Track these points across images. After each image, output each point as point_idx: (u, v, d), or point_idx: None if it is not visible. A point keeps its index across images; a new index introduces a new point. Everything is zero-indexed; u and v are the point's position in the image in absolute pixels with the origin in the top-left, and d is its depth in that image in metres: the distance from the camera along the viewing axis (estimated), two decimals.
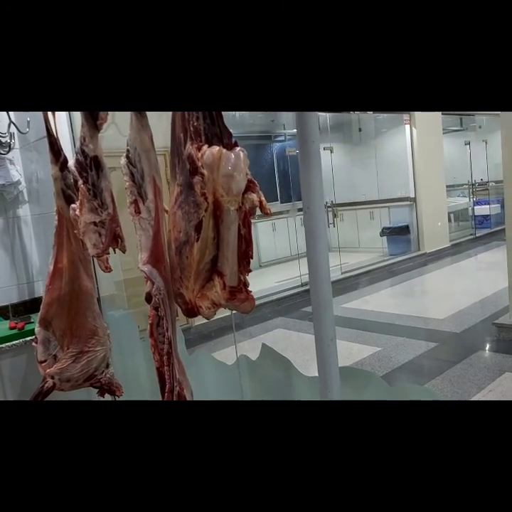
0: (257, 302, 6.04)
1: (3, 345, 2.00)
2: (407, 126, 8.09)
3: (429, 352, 4.00)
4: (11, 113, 2.20)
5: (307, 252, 0.93)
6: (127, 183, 1.30)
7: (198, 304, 1.06)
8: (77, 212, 1.55)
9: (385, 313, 5.27)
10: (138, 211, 1.30)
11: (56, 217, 1.78)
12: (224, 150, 0.98)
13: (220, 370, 1.64)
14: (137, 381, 2.15)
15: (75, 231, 1.65)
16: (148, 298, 1.33)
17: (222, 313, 1.27)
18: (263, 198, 1.05)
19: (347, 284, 6.78)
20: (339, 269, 7.21)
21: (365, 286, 6.61)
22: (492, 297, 5.22)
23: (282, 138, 9.21)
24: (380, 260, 7.88)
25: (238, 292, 1.05)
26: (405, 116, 7.95)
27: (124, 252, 1.56)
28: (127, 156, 1.30)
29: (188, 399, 1.30)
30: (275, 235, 8.59)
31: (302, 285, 6.49)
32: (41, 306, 1.78)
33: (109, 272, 1.81)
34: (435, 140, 8.39)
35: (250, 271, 1.07)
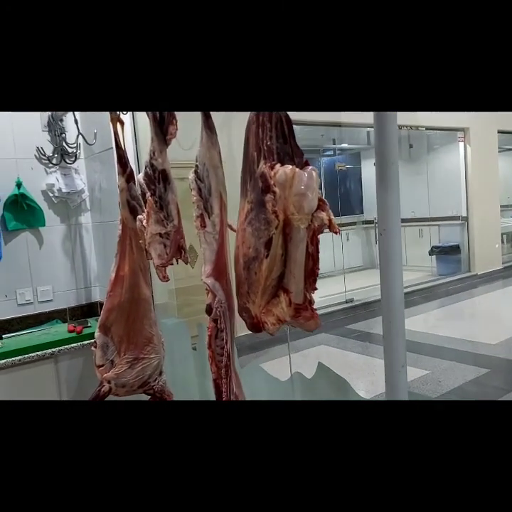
0: None
1: (62, 348, 2.07)
2: (461, 144, 7.90)
3: (480, 378, 3.84)
4: (80, 125, 2.31)
5: (381, 274, 0.92)
6: (194, 198, 1.33)
7: (264, 319, 1.07)
8: (144, 223, 1.60)
9: (434, 335, 5.12)
10: (203, 225, 1.33)
11: (120, 227, 1.84)
12: (297, 169, 0.99)
13: (273, 386, 1.64)
14: (187, 390, 2.18)
15: (140, 241, 1.70)
16: (209, 310, 1.35)
17: None
18: (332, 217, 1.05)
19: None
20: None
21: (413, 305, 6.44)
22: None
23: (331, 152, 9.18)
24: (428, 280, 7.67)
25: (304, 310, 1.05)
26: (459, 133, 7.77)
27: (186, 263, 1.60)
28: (196, 171, 1.33)
29: None
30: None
31: (347, 301, 6.41)
32: (102, 312, 1.84)
33: (167, 281, 1.86)
34: (490, 158, 8.14)
35: (316, 289, 1.07)
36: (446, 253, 8.02)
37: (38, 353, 2.01)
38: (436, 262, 8.17)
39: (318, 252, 1.06)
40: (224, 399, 1.31)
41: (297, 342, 5.36)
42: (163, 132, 1.52)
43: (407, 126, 7.63)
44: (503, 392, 3.52)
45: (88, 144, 2.30)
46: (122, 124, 1.83)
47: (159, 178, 1.54)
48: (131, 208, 1.81)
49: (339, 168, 7.64)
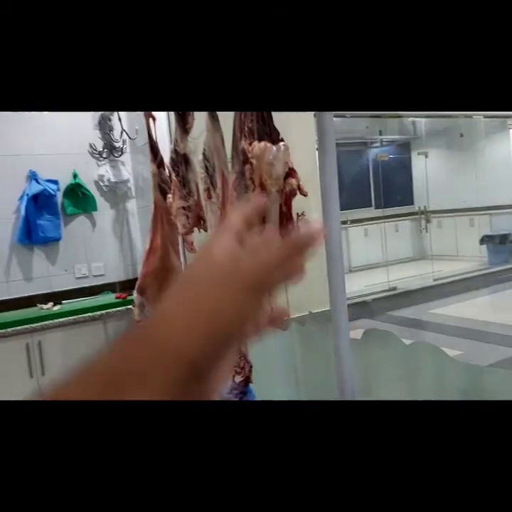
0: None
1: (110, 311, 2.45)
2: (511, 131, 7.72)
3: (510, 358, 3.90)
4: (124, 122, 2.68)
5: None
6: (202, 175, 1.63)
7: None
8: (170, 199, 1.93)
9: (472, 320, 5.15)
10: (210, 196, 1.64)
11: (153, 207, 2.19)
12: (268, 144, 1.26)
13: (276, 335, 1.91)
14: None
15: (170, 217, 2.02)
16: None
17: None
18: (301, 183, 1.31)
19: (437, 291, 6.65)
20: (431, 276, 7.08)
21: (455, 294, 6.44)
22: None
23: (378, 144, 9.22)
24: (476, 269, 7.58)
25: None
26: (509, 121, 7.60)
27: (206, 231, 1.91)
28: (203, 153, 1.64)
29: (242, 348, 1.59)
30: (367, 241, 8.63)
31: (390, 290, 6.51)
32: (139, 277, 2.19)
33: (194, 252, 2.17)
34: None
35: None
36: (498, 242, 7.87)
37: (89, 314, 2.40)
38: (487, 251, 8.03)
39: (290, 211, 1.31)
40: None
41: None
42: (183, 123, 1.83)
43: (456, 115, 7.56)
44: None
45: (130, 138, 2.67)
46: (154, 119, 2.16)
47: (182, 160, 1.86)
48: (162, 190, 2.14)
49: (381, 158, 7.69)
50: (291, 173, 1.31)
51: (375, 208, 9.10)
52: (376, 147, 9.27)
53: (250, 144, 1.31)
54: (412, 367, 1.24)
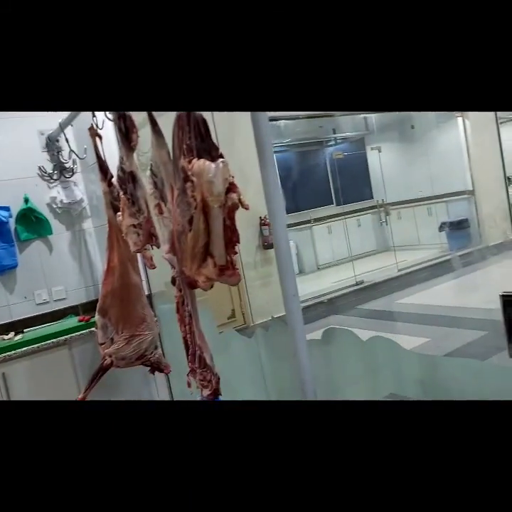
0: (313, 302, 6.19)
1: (74, 335, 2.41)
2: (460, 119, 7.98)
3: (478, 340, 4.03)
4: (72, 142, 2.65)
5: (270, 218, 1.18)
6: (151, 190, 1.63)
7: (196, 278, 1.36)
8: (120, 218, 1.91)
9: (437, 306, 5.29)
10: (161, 212, 1.63)
11: (107, 226, 2.17)
12: (207, 162, 1.27)
13: (243, 343, 1.92)
14: (183, 363, 2.48)
15: (123, 235, 2.01)
16: (173, 281, 1.66)
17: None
18: (242, 197, 1.32)
19: (403, 281, 6.80)
20: (395, 267, 7.24)
21: (420, 282, 6.60)
22: None
23: (333, 142, 9.37)
24: (438, 256, 7.79)
25: (226, 269, 1.33)
26: None
27: (158, 247, 1.90)
28: (151, 169, 1.64)
29: (208, 361, 1.59)
30: (331, 238, 8.75)
31: (357, 284, 6.62)
32: (99, 298, 2.16)
33: (153, 268, 2.16)
34: (490, 130, 8.19)
35: (236, 253, 1.34)
36: (456, 228, 8.11)
37: (53, 340, 2.35)
38: (446, 237, 8.27)
39: (234, 224, 1.33)
40: (190, 350, 1.61)
41: (308, 325, 5.61)
42: (128, 140, 1.82)
43: None
44: (498, 350, 3.70)
45: (79, 158, 2.64)
46: (100, 137, 2.15)
47: (129, 178, 1.85)
48: (114, 208, 2.13)
49: (337, 156, 7.82)
50: (231, 187, 1.32)
51: (337, 205, 9.23)
52: (332, 145, 9.42)
53: (190, 162, 1.32)
54: (370, 362, 1.27)
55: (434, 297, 5.83)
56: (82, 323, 2.47)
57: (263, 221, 5.39)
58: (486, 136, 8.06)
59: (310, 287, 7.01)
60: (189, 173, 1.26)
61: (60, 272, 2.83)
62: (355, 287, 6.55)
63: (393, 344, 1.23)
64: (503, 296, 1.12)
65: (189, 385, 1.57)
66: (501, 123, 8.59)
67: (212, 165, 1.25)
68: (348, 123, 8.61)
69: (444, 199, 8.57)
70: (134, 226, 1.84)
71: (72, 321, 2.59)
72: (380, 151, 7.65)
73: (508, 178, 9.20)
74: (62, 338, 2.39)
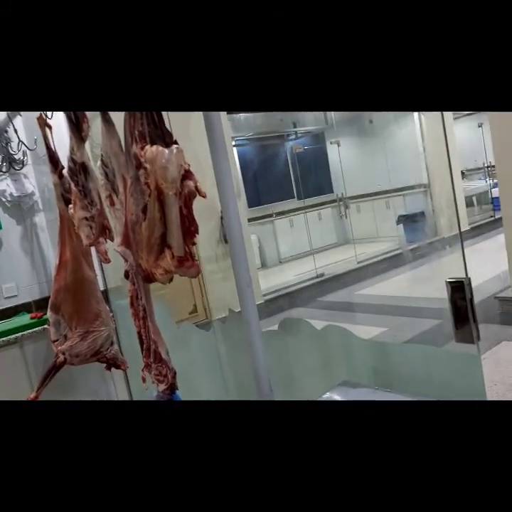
0: (275, 295, 6.21)
1: (25, 333, 2.32)
2: (416, 114, 8.18)
3: (433, 328, 4.15)
4: (21, 133, 2.54)
5: (222, 207, 1.16)
6: (102, 181, 1.58)
7: (153, 271, 1.33)
8: (72, 210, 1.85)
9: (395, 297, 5.42)
10: (113, 203, 1.59)
11: (58, 219, 2.09)
12: (160, 148, 1.24)
13: (201, 337, 1.90)
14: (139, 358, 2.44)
15: (75, 228, 1.94)
16: (126, 274, 1.61)
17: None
18: (199, 184, 1.30)
19: (362, 273, 6.93)
20: (354, 259, 7.37)
21: (378, 274, 6.75)
22: (504, 275, 5.29)
23: (294, 136, 9.42)
24: (396, 248, 7.98)
25: (185, 260, 1.30)
26: None
27: (112, 240, 1.85)
28: (101, 159, 1.58)
29: (163, 356, 1.57)
30: (293, 232, 8.81)
31: (318, 276, 6.70)
32: (51, 294, 2.09)
33: (108, 262, 2.10)
34: (445, 124, 8.43)
35: (195, 243, 1.32)
36: (413, 221, 8.33)
37: (3, 338, 2.26)
38: (403, 230, 8.47)
39: (191, 213, 1.30)
40: (145, 345, 1.57)
41: (272, 317, 5.64)
42: (78, 130, 1.76)
43: None
44: (450, 338, 3.83)
45: (29, 149, 2.53)
46: (50, 127, 2.06)
47: (80, 170, 1.79)
48: (66, 200, 2.05)
49: (297, 150, 7.87)
50: (187, 175, 1.30)
51: (298, 199, 9.30)
52: (292, 139, 9.47)
53: (142, 148, 1.28)
54: (325, 350, 1.28)
55: (392, 288, 5.97)
56: (34, 320, 2.38)
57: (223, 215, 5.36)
58: (441, 130, 8.29)
59: (272, 281, 7.05)
60: (142, 159, 1.23)
61: (10, 268, 2.72)
62: (316, 280, 6.63)
63: (346, 332, 1.24)
64: (449, 282, 1.15)
65: (144, 380, 1.54)
66: (455, 118, 8.86)
67: (166, 150, 1.22)
68: (309, 117, 8.67)
69: (402, 192, 8.77)
70: (87, 219, 1.79)
71: (23, 319, 2.50)
72: (339, 145, 7.74)
73: (462, 173, 9.52)
74: (13, 336, 2.30)
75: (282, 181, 9.26)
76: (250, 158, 8.90)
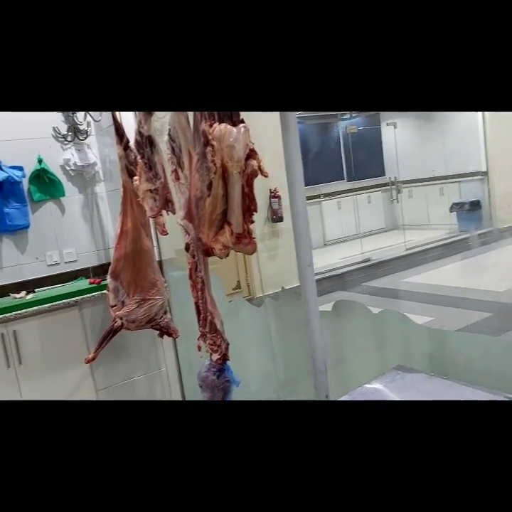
0: (319, 277, 6.23)
1: (84, 296, 2.45)
2: None
3: (482, 321, 4.05)
4: None
5: (289, 192, 1.18)
6: (169, 155, 1.63)
7: (212, 246, 1.37)
8: (137, 182, 1.91)
9: (443, 286, 5.30)
10: (178, 178, 1.63)
11: (122, 190, 2.17)
12: (229, 126, 1.26)
13: (253, 313, 1.95)
14: (192, 328, 2.52)
15: (138, 199, 2.01)
16: (187, 247, 1.67)
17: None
18: (262, 164, 1.32)
19: (410, 260, 6.80)
20: (403, 246, 7.22)
21: (427, 262, 6.60)
22: None
23: (348, 116, 9.22)
24: (447, 237, 7.75)
25: (243, 237, 1.34)
26: None
27: (174, 213, 1.91)
28: (169, 134, 1.63)
29: (218, 327, 1.62)
30: (340, 214, 8.71)
31: (364, 261, 6.63)
32: (111, 262, 2.18)
33: (166, 235, 2.16)
34: (509, 112, 8.01)
35: (253, 221, 1.34)
36: (467, 209, 8.04)
37: (64, 301, 2.39)
38: (457, 218, 8.21)
39: (252, 192, 1.32)
40: (202, 315, 1.63)
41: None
42: None
43: None
44: (501, 331, 3.73)
45: (94, 120, 2.62)
46: None
47: (146, 142, 1.84)
48: (130, 172, 2.12)
49: (350, 130, 7.71)
50: (251, 154, 1.32)
51: (348, 181, 9.16)
52: (346, 119, 9.28)
53: (211, 126, 1.31)
54: (380, 334, 1.29)
55: (440, 277, 5.83)
56: (93, 285, 2.50)
57: (273, 194, 5.36)
58: (503, 116, 7.89)
59: (317, 262, 7.01)
60: (210, 137, 1.26)
61: (71, 235, 2.85)
62: (362, 264, 6.56)
63: (403, 317, 1.24)
64: None
65: (199, 348, 1.60)
66: None
67: (234, 129, 1.24)
68: None
69: (457, 179, 8.47)
70: (151, 191, 1.85)
71: (82, 283, 2.62)
72: (395, 127, 7.52)
73: None
74: (73, 299, 2.42)
75: (333, 162, 9.12)
76: (302, 136, 8.80)
